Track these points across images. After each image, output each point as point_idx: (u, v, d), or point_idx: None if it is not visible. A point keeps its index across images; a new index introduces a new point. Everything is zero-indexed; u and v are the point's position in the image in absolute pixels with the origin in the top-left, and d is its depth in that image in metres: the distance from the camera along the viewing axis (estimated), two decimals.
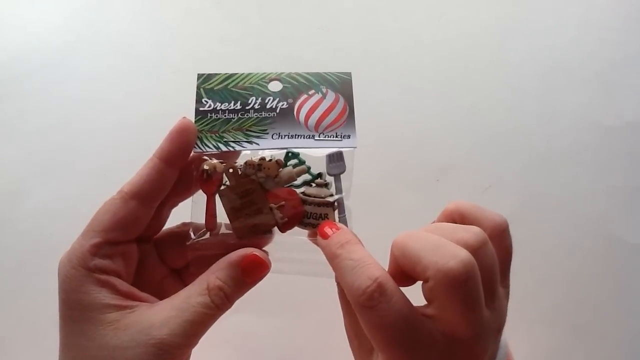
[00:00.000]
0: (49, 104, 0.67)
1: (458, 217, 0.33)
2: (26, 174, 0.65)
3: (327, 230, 0.32)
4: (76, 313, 0.30)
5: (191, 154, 0.34)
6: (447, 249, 0.27)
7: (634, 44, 0.70)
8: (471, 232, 0.29)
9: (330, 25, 0.71)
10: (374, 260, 0.29)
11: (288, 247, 0.34)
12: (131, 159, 0.34)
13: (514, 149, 0.66)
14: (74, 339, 0.30)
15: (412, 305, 0.28)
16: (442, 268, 0.26)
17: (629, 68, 0.69)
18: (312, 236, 0.34)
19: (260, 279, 0.32)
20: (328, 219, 0.34)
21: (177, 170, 0.33)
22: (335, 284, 0.32)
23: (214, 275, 0.31)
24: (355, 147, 0.35)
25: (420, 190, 0.64)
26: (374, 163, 0.65)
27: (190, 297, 0.31)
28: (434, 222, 0.34)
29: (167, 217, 0.36)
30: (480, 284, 0.27)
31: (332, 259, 0.30)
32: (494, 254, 0.29)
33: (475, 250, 0.28)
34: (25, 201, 0.64)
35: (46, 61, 0.69)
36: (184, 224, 0.36)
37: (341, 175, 0.35)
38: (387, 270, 0.30)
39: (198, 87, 0.36)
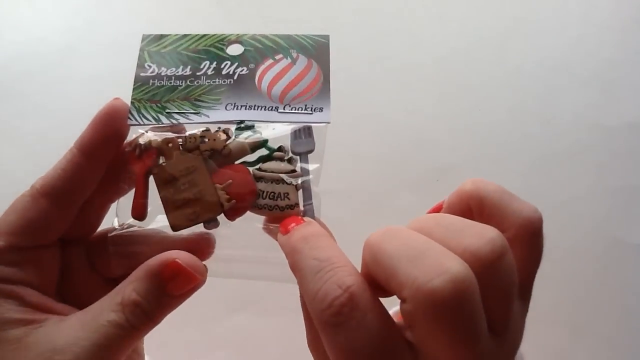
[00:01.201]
0: (49, 104, 0.67)
1: (475, 205, 0.25)
2: (26, 174, 0.65)
3: (291, 225, 0.25)
4: None
5: (126, 140, 0.28)
6: (433, 260, 0.20)
7: (634, 44, 0.70)
8: (484, 239, 0.21)
9: (330, 26, 0.71)
10: (346, 260, 0.23)
11: (240, 241, 0.28)
12: None
13: (514, 149, 0.66)
14: None
15: (392, 323, 0.22)
16: (422, 288, 0.19)
17: (629, 68, 0.69)
18: (271, 223, 0.27)
19: (191, 292, 0.26)
20: (289, 199, 0.27)
21: (101, 165, 0.27)
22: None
23: (131, 286, 0.25)
24: (328, 122, 0.28)
25: (420, 190, 0.64)
26: (374, 163, 0.65)
27: (102, 312, 0.25)
28: (439, 205, 0.28)
29: (103, 216, 0.30)
30: (478, 308, 0.20)
31: (292, 254, 0.24)
32: (512, 269, 0.21)
33: (485, 265, 0.20)
34: None
35: (46, 61, 0.69)
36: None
37: (309, 155, 0.28)
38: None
39: (142, 50, 0.30)
